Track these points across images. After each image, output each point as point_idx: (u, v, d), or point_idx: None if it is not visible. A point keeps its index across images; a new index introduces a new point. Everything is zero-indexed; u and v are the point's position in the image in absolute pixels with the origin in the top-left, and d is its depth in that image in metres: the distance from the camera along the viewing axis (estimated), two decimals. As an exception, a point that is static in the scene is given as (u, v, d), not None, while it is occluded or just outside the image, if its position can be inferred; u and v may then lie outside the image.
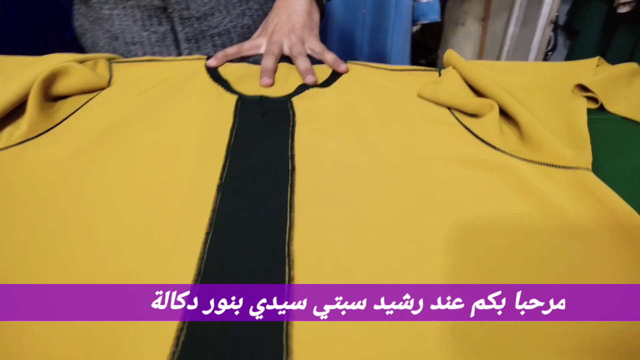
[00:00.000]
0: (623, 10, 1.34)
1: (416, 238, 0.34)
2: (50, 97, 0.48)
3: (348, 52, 1.48)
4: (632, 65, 0.60)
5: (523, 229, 0.35)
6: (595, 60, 0.61)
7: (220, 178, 0.38)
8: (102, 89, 0.51)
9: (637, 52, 1.37)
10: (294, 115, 0.48)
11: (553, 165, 0.40)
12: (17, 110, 0.45)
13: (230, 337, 0.26)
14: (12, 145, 0.41)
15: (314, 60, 0.59)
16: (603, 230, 0.34)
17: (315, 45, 0.59)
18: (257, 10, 0.73)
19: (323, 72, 0.57)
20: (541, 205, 0.36)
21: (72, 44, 0.82)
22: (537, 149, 0.42)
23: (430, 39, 2.38)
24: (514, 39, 1.97)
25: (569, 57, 1.63)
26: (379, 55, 1.46)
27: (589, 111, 0.51)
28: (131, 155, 0.41)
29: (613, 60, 0.61)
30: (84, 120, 0.45)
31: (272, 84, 0.54)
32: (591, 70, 0.59)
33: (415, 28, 1.53)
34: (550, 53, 1.56)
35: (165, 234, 0.33)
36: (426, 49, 2.45)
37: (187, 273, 0.30)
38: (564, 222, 0.35)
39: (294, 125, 0.46)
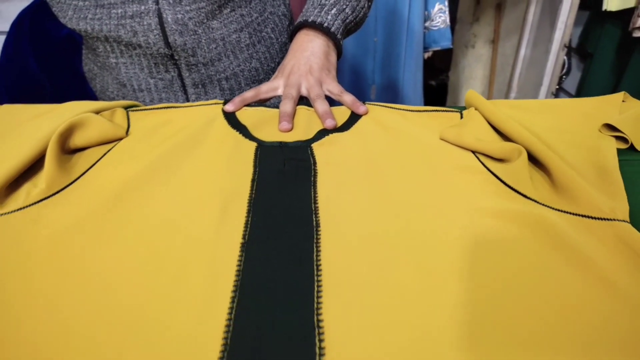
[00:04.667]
0: (638, 34, 1.33)
1: (446, 298, 0.32)
2: (67, 150, 0.47)
3: (360, 79, 1.48)
4: (659, 100, 0.59)
5: (559, 287, 0.33)
6: (620, 95, 0.60)
7: (243, 237, 0.37)
8: (120, 139, 0.51)
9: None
10: (314, 163, 0.47)
11: (589, 217, 0.38)
12: (33, 165, 0.44)
13: None
14: (31, 205, 0.40)
15: (332, 102, 0.59)
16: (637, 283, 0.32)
17: (333, 87, 0.59)
18: (264, 53, 0.73)
19: (342, 114, 0.56)
20: (578, 261, 0.35)
21: (85, 78, 0.82)
22: (571, 198, 0.40)
23: (439, 60, 2.39)
24: (525, 61, 1.96)
25: (583, 80, 1.61)
26: (390, 83, 1.46)
27: (619, 152, 0.49)
28: (150, 216, 0.39)
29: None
30: (102, 177, 0.45)
31: (291, 129, 0.53)
32: (617, 106, 0.58)
33: (427, 55, 1.53)
34: (564, 77, 1.54)
35: (189, 301, 0.31)
36: (435, 70, 2.45)
37: (214, 344, 0.28)
38: (604, 280, 0.33)
39: (315, 175, 0.45)
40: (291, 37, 0.64)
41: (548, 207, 0.40)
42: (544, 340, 0.29)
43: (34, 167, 0.44)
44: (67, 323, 0.30)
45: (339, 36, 0.62)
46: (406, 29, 1.39)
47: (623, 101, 0.59)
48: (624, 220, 0.38)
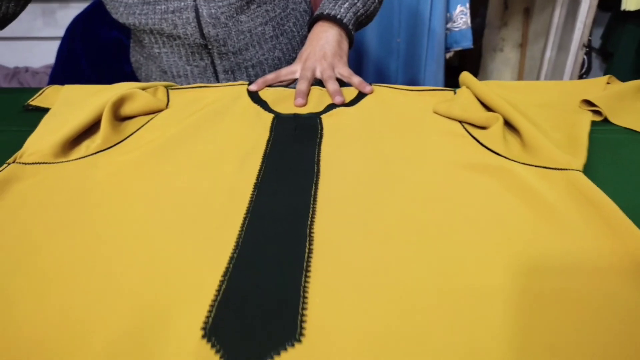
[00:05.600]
0: (655, 32, 1.36)
1: (422, 232, 0.39)
2: (118, 117, 0.57)
3: (384, 79, 1.56)
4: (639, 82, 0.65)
5: (517, 221, 0.40)
6: (605, 78, 0.66)
7: (257, 179, 0.45)
8: (161, 110, 0.60)
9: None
10: (322, 129, 0.55)
11: (548, 168, 0.45)
12: (91, 128, 0.54)
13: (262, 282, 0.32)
14: (90, 155, 0.50)
15: (343, 84, 0.67)
16: (588, 223, 0.39)
17: (344, 70, 0.67)
18: (286, 44, 0.82)
19: (350, 94, 0.64)
20: (534, 202, 0.42)
21: (131, 76, 0.94)
22: (535, 154, 0.47)
23: (469, 64, 2.43)
24: (550, 64, 1.99)
25: (606, 79, 1.64)
26: (412, 82, 1.53)
27: (594, 123, 0.56)
28: (185, 162, 0.49)
29: None
30: (147, 136, 0.54)
31: (305, 104, 0.62)
32: (601, 87, 0.64)
33: (448, 55, 1.59)
34: (584, 76, 1.57)
35: (212, 220, 0.40)
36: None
37: (227, 249, 0.37)
38: (554, 216, 0.40)
39: (321, 138, 0.53)
40: (309, 28, 0.73)
41: (515, 161, 0.47)
42: (506, 254, 0.36)
43: (91, 129, 0.55)
44: (122, 231, 0.39)
45: (350, 27, 0.70)
46: (428, 30, 1.46)
47: (608, 83, 0.66)
48: (577, 170, 0.45)
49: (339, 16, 0.70)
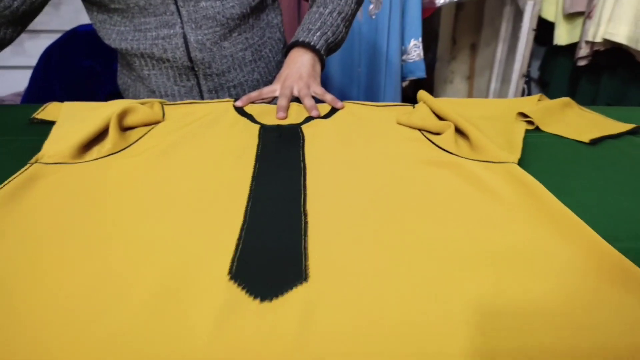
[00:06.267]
0: (582, 63, 1.54)
1: (394, 207, 0.48)
2: (122, 127, 0.65)
3: (346, 105, 1.68)
4: (566, 99, 0.78)
5: (467, 201, 0.50)
6: (537, 96, 0.79)
7: (253, 173, 0.54)
8: (159, 122, 0.68)
9: (598, 96, 1.56)
10: (303, 136, 0.64)
11: (490, 162, 0.56)
12: (99, 136, 0.62)
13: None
14: (102, 157, 0.57)
15: (317, 101, 0.77)
16: (520, 199, 0.49)
17: (318, 89, 0.77)
18: (263, 68, 0.92)
19: (324, 108, 0.74)
20: (479, 186, 0.52)
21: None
22: (480, 152, 0.58)
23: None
24: (495, 93, 2.18)
25: (544, 106, 1.82)
26: (373, 108, 1.65)
27: (528, 130, 0.68)
28: (188, 162, 0.57)
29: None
30: (150, 142, 0.62)
31: (285, 118, 0.71)
32: (533, 103, 0.77)
33: (404, 83, 1.74)
34: (525, 102, 1.75)
35: (220, 202, 0.48)
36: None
37: (237, 222, 0.45)
38: (494, 196, 0.50)
39: (303, 142, 0.62)
40: (286, 53, 0.83)
41: (465, 157, 0.58)
42: (459, 225, 0.46)
43: (98, 137, 0.62)
44: (137, 219, 0.46)
45: (322, 52, 0.81)
46: (385, 61, 1.60)
47: (540, 100, 0.78)
48: (513, 162, 0.55)
49: (312, 43, 0.80)
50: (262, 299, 0.35)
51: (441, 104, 0.70)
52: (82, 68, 1.63)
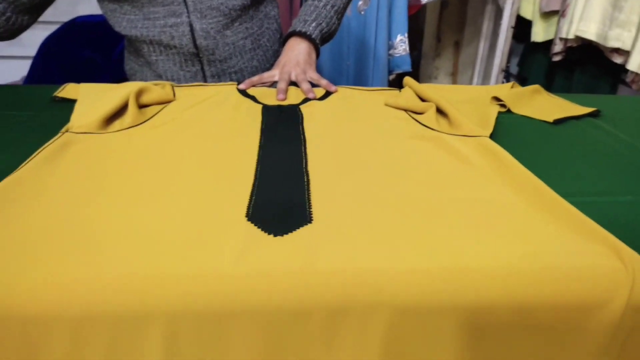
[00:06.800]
0: (556, 59, 1.65)
1: (385, 170, 0.56)
2: (138, 105, 0.72)
3: (335, 97, 1.76)
4: (536, 86, 0.87)
5: (445, 167, 0.58)
6: (510, 84, 0.88)
7: (259, 142, 0.62)
8: (170, 101, 0.75)
9: (571, 89, 1.67)
10: (302, 114, 0.72)
11: (466, 135, 0.65)
12: (119, 112, 0.68)
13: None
14: (124, 129, 0.65)
15: (313, 85, 0.84)
16: (490, 165, 0.58)
17: (314, 75, 0.85)
18: (262, 56, 0.99)
19: (320, 92, 0.82)
20: (456, 155, 0.60)
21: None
22: (457, 127, 0.66)
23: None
24: (478, 88, 2.29)
25: (523, 100, 1.93)
26: (361, 100, 1.73)
27: (501, 113, 0.77)
28: (201, 133, 0.64)
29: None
30: (165, 117, 0.69)
31: (285, 99, 0.79)
32: (506, 89, 0.85)
33: (391, 77, 1.82)
34: (504, 96, 1.85)
35: (231, 169, 0.55)
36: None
37: (249, 177, 0.52)
38: (468, 163, 0.58)
39: (302, 119, 0.70)
40: (284, 42, 0.91)
41: (444, 132, 0.66)
42: (438, 185, 0.54)
43: (118, 112, 0.69)
44: (160, 179, 0.54)
45: (317, 41, 0.89)
46: (373, 55, 1.69)
47: (512, 87, 0.87)
48: (485, 136, 0.64)
49: (308, 32, 0.88)
50: (276, 235, 0.43)
51: (424, 88, 0.78)
52: (82, 58, 1.68)
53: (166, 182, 0.52)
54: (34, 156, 0.55)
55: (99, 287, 0.38)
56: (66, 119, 0.64)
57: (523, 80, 1.99)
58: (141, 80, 0.98)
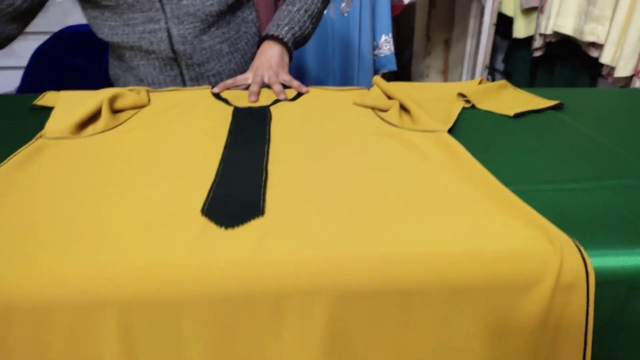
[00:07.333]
0: (537, 54, 1.67)
1: (346, 165, 0.59)
2: (112, 110, 0.74)
3: (323, 98, 1.78)
4: (502, 82, 0.89)
5: (403, 160, 0.61)
6: (477, 80, 0.90)
7: (226, 142, 0.64)
8: (145, 106, 0.78)
9: (553, 83, 1.69)
10: (271, 115, 0.75)
11: (425, 131, 0.67)
12: (92, 117, 0.71)
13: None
14: (97, 133, 0.67)
15: (285, 87, 0.87)
16: (443, 157, 0.60)
17: (286, 77, 0.87)
18: (239, 59, 1.02)
19: (291, 93, 0.84)
20: (413, 150, 0.63)
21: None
22: (417, 123, 0.69)
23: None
24: (466, 86, 2.32)
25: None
26: (348, 100, 1.76)
27: (465, 108, 0.79)
28: (171, 135, 0.67)
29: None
30: (137, 121, 0.72)
31: (256, 101, 0.81)
32: (474, 86, 0.88)
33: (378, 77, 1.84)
34: (490, 93, 1.88)
35: (198, 162, 0.58)
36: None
37: (211, 175, 0.55)
38: (424, 156, 0.61)
39: (270, 120, 0.73)
40: (257, 46, 0.94)
41: (405, 129, 0.69)
42: (397, 177, 0.56)
43: (92, 118, 0.71)
44: (136, 177, 0.57)
45: (289, 45, 0.91)
46: (358, 56, 1.71)
47: (480, 83, 0.90)
48: (443, 131, 0.66)
49: (280, 36, 0.90)
50: (227, 227, 0.46)
51: (392, 87, 0.81)
52: (72, 67, 1.72)
53: (131, 182, 0.55)
54: (7, 161, 0.58)
55: (58, 279, 0.41)
56: (43, 127, 0.67)
57: (508, 76, 2.02)
58: (124, 84, 1.01)
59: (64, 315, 0.40)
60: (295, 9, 0.95)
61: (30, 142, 0.63)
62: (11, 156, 0.59)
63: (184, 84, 0.97)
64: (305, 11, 0.96)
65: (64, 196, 0.52)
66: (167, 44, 0.91)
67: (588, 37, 1.50)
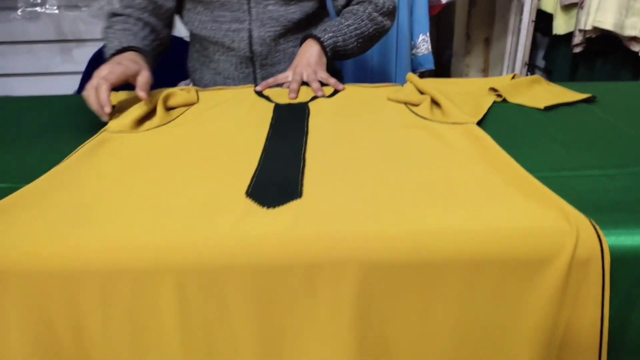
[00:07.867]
0: (577, 50, 1.65)
1: (382, 155, 0.63)
2: (165, 107, 0.82)
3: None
4: (535, 76, 0.92)
5: (432, 150, 0.64)
6: (510, 75, 0.93)
7: (267, 134, 0.70)
8: (194, 103, 0.85)
9: (593, 79, 1.67)
10: (309, 111, 0.80)
11: (454, 123, 0.71)
12: (149, 114, 0.79)
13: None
14: (153, 128, 0.75)
15: (323, 85, 0.92)
16: (471, 148, 0.64)
17: (324, 75, 0.92)
18: None
19: (328, 91, 0.89)
20: (441, 140, 0.66)
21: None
22: (448, 116, 0.73)
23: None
24: (506, 83, 2.30)
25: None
26: (386, 99, 1.80)
27: (497, 102, 0.82)
28: (220, 129, 0.73)
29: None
30: (188, 117, 0.79)
31: (296, 98, 0.87)
32: (507, 81, 0.90)
33: (415, 76, 1.87)
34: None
35: (240, 157, 0.64)
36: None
37: (255, 160, 0.60)
38: (452, 146, 0.65)
39: (309, 115, 0.78)
40: (300, 44, 0.99)
41: (436, 121, 0.72)
42: (428, 165, 0.60)
43: (148, 115, 0.79)
44: (189, 166, 0.63)
45: (327, 49, 0.96)
46: (395, 55, 1.74)
47: (513, 78, 0.92)
48: (472, 123, 0.70)
49: (321, 39, 0.95)
50: (268, 207, 0.51)
51: (424, 82, 0.85)
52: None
53: (184, 169, 0.61)
54: (77, 150, 0.66)
55: (125, 247, 0.47)
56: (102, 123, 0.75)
57: (549, 73, 2.00)
58: (199, 77, 1.10)
59: (128, 281, 0.47)
60: (346, 23, 0.99)
61: (95, 135, 0.71)
62: (80, 147, 0.67)
63: (256, 82, 1.05)
64: (355, 29, 0.99)
65: (126, 180, 0.59)
66: (247, 43, 1.00)
67: (629, 32, 1.48)
